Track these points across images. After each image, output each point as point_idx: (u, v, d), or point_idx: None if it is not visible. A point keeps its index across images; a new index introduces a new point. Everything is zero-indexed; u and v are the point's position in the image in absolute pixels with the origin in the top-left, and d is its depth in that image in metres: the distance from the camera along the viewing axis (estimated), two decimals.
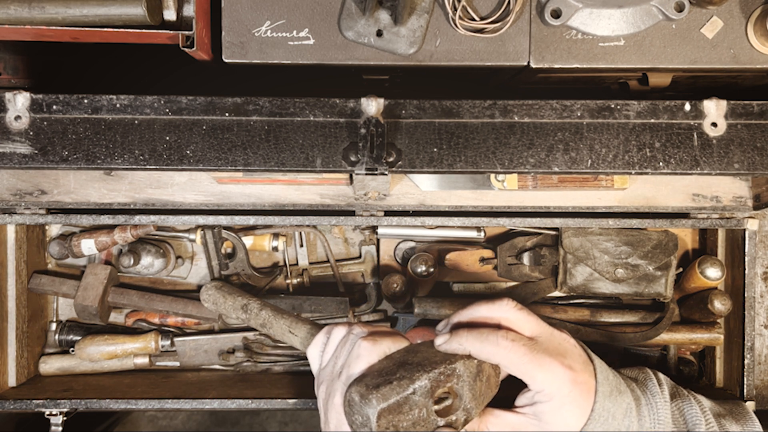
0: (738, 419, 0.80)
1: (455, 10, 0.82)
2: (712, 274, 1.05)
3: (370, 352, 0.69)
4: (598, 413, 0.70)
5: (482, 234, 1.10)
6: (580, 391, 0.69)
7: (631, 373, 0.80)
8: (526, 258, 1.10)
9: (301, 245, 1.17)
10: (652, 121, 0.81)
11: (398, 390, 0.64)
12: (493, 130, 0.81)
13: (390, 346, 0.71)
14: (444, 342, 0.71)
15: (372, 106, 0.79)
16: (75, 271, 1.15)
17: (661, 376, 0.80)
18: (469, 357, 0.70)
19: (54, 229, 1.15)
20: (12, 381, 1.06)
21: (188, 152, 0.80)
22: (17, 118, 0.79)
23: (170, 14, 0.82)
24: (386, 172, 0.78)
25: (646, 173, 0.81)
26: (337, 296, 1.14)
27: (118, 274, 1.15)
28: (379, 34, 0.83)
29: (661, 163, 0.81)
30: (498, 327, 0.72)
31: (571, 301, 1.11)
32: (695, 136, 0.81)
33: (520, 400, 0.73)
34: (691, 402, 0.78)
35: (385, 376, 0.66)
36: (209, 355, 1.14)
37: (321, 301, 1.12)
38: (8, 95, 0.79)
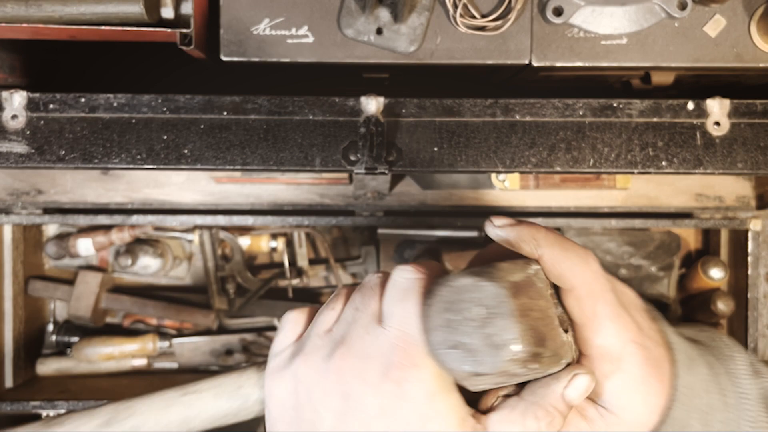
0: None
1: (456, 7, 0.81)
2: (715, 274, 1.04)
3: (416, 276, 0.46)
4: (681, 392, 0.48)
5: (483, 234, 1.09)
6: (655, 361, 0.48)
7: (688, 332, 0.55)
8: None
9: (300, 245, 1.16)
10: (655, 120, 0.81)
11: (522, 267, 0.45)
12: (494, 129, 0.80)
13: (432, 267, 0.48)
14: (508, 223, 0.46)
15: (372, 104, 0.79)
16: (71, 274, 1.15)
17: (733, 340, 0.55)
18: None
19: (51, 229, 1.14)
20: (9, 382, 1.06)
21: (186, 151, 0.79)
22: (14, 117, 0.79)
23: (168, 12, 0.81)
24: (386, 172, 0.78)
25: (649, 173, 0.80)
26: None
27: (115, 274, 1.15)
28: (379, 32, 0.82)
29: (663, 163, 0.80)
30: None
31: None
32: (698, 135, 0.81)
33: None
34: None
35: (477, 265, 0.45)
36: (207, 357, 1.13)
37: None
38: (5, 94, 0.78)
